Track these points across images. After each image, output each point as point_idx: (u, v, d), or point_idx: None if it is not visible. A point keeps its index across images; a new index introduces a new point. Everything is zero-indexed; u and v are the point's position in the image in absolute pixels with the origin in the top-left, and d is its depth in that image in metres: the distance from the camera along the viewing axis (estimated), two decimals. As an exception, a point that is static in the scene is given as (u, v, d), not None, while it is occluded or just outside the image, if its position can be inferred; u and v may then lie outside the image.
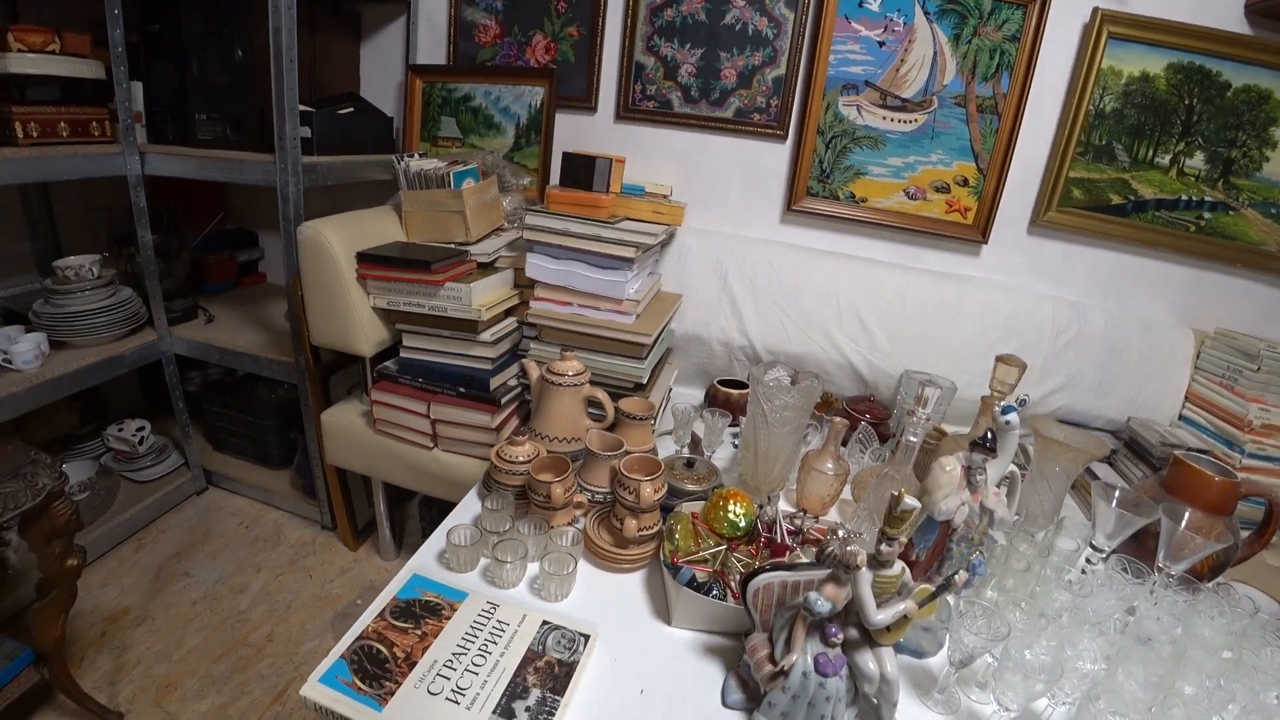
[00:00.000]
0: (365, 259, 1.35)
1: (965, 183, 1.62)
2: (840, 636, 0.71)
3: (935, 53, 1.54)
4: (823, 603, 0.68)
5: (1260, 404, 1.48)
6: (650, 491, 0.90)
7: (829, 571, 0.70)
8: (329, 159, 1.54)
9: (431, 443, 1.39)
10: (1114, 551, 1.02)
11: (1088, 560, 1.05)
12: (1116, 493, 1.08)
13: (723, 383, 1.45)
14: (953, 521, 0.84)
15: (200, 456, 1.86)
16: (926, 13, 1.53)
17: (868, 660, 0.71)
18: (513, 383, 1.41)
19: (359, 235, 1.40)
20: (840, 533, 0.70)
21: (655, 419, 1.33)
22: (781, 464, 1.04)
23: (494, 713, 0.68)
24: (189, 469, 1.83)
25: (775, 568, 0.75)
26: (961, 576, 0.74)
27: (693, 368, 1.66)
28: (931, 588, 0.73)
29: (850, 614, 0.71)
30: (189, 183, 1.55)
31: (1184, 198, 1.63)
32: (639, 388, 1.35)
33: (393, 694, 0.69)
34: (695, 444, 1.24)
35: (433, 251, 1.36)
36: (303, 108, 1.45)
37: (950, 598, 0.83)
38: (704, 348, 1.63)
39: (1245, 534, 1.15)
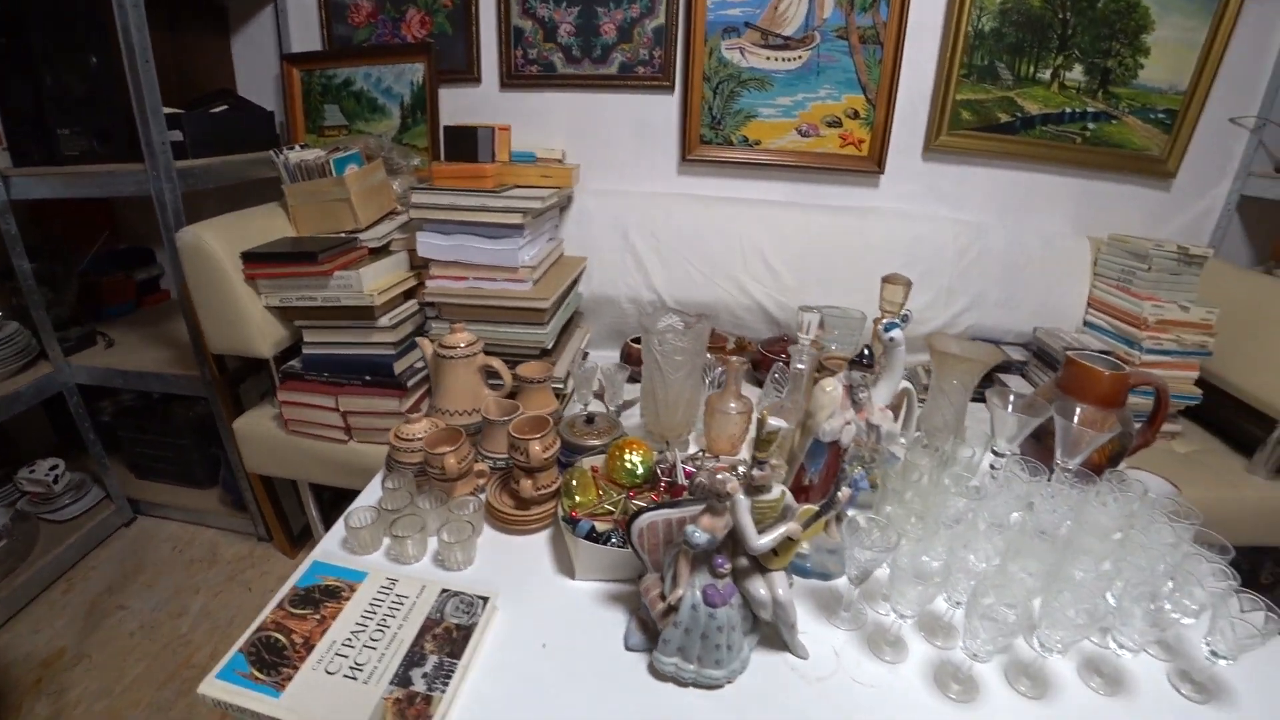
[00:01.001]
0: (250, 258, 1.30)
1: (856, 115, 1.63)
2: (727, 567, 0.72)
3: (811, -13, 1.54)
4: (699, 534, 0.69)
5: (1154, 301, 1.55)
6: (539, 450, 0.90)
7: (705, 504, 0.71)
8: (206, 161, 1.48)
9: (346, 435, 1.37)
10: (1021, 455, 1.06)
11: (991, 466, 1.09)
12: (1011, 397, 1.12)
13: (635, 340, 1.45)
14: (841, 441, 0.85)
15: (123, 486, 1.80)
16: (798, -53, 1.52)
17: (759, 586, 0.73)
18: (420, 365, 1.39)
19: (245, 235, 1.35)
20: (709, 463, 0.71)
21: (565, 381, 1.33)
22: (683, 409, 1.05)
23: (391, 683, 0.68)
24: (112, 501, 1.77)
25: (657, 507, 0.76)
26: (845, 494, 0.76)
27: (606, 329, 1.65)
28: (814, 508, 0.75)
29: (738, 543, 0.72)
30: (69, 203, 1.48)
31: (1068, 110, 1.67)
32: (545, 354, 1.34)
33: (290, 679, 0.68)
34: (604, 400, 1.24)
35: (319, 242, 1.32)
36: (172, 110, 1.39)
37: (857, 515, 0.85)
38: (614, 307, 1.63)
39: (1140, 425, 1.21)
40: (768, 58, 1.59)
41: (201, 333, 1.38)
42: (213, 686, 0.67)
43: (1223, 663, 0.72)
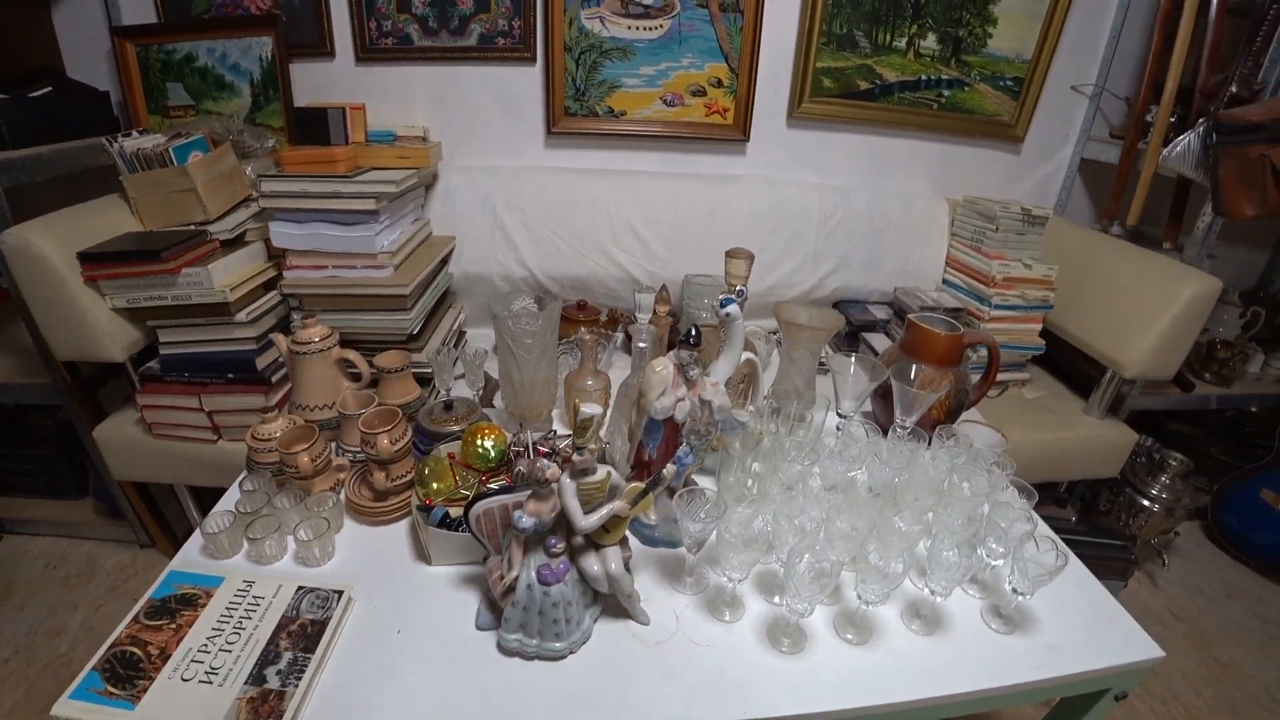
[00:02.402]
0: (88, 258, 1.22)
1: (720, 84, 1.66)
2: (559, 546, 0.76)
3: (670, -45, 1.53)
4: (525, 519, 0.73)
5: (1001, 259, 1.67)
6: (388, 443, 0.92)
7: (530, 490, 0.74)
8: (31, 151, 1.35)
9: (215, 435, 1.33)
10: (872, 416, 1.13)
11: (836, 428, 1.18)
12: (852, 363, 1.21)
13: None
14: (676, 417, 0.90)
15: (-19, 503, 1.68)
16: (653, -86, 1.51)
17: (592, 563, 0.78)
18: (283, 360, 1.35)
19: (84, 233, 1.26)
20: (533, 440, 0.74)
21: (436, 367, 1.33)
22: (540, 390, 1.08)
23: (245, 683, 0.70)
24: (-30, 520, 1.65)
25: (493, 493, 0.79)
26: (670, 470, 0.81)
27: (480, 308, 1.65)
28: (641, 486, 0.80)
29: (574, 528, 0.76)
30: None
31: (923, 77, 1.76)
32: (412, 339, 1.33)
33: (146, 690, 0.69)
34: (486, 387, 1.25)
35: (163, 238, 1.25)
36: (-18, 94, 1.26)
37: (699, 485, 0.91)
38: (487, 285, 1.63)
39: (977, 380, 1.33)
40: (629, 27, 1.59)
41: (44, 340, 1.29)
42: (66, 707, 0.68)
43: (1022, 597, 0.83)
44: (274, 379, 1.30)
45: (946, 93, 1.78)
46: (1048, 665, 0.81)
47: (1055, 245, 1.75)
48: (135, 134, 1.37)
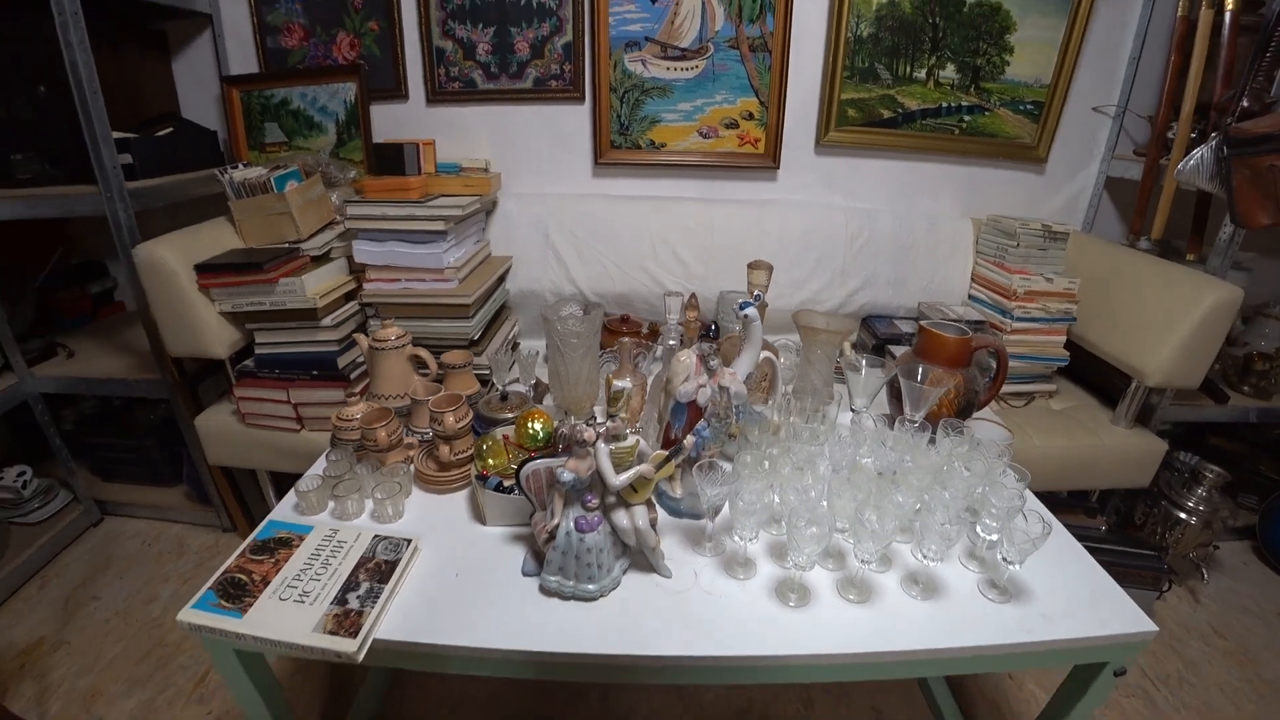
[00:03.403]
0: (203, 269, 1.44)
1: (751, 116, 1.81)
2: (595, 501, 0.89)
3: (703, 3, 1.71)
4: (567, 474, 0.86)
5: (1022, 274, 1.74)
6: (453, 420, 1.06)
7: (571, 451, 0.88)
8: (156, 181, 1.60)
9: (298, 425, 1.51)
10: (888, 414, 1.22)
11: (850, 422, 1.27)
12: (863, 362, 1.30)
13: None
14: (698, 401, 1.02)
15: (89, 489, 1.91)
16: (690, -33, 1.69)
17: (622, 518, 0.90)
18: (360, 359, 1.53)
19: (197, 248, 1.48)
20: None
21: (494, 366, 1.49)
22: (583, 385, 1.21)
23: (331, 603, 0.84)
24: (80, 503, 1.88)
25: (541, 457, 0.92)
26: (689, 442, 0.93)
27: (533, 320, 1.82)
28: (665, 453, 0.92)
29: (604, 484, 0.89)
30: (20, 224, 1.58)
31: (944, 105, 1.87)
32: (473, 344, 1.50)
33: (251, 605, 0.84)
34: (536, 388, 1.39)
35: (265, 253, 1.46)
36: (121, 135, 1.50)
37: (720, 463, 1.02)
38: (539, 300, 1.79)
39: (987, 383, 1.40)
40: (668, 68, 1.76)
41: (160, 339, 1.52)
42: (189, 615, 0.83)
43: (1014, 566, 0.90)
44: (352, 376, 1.48)
45: (967, 118, 1.88)
46: (1039, 630, 0.87)
47: (1080, 260, 1.81)
48: (240, 166, 1.60)
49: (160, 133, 1.66)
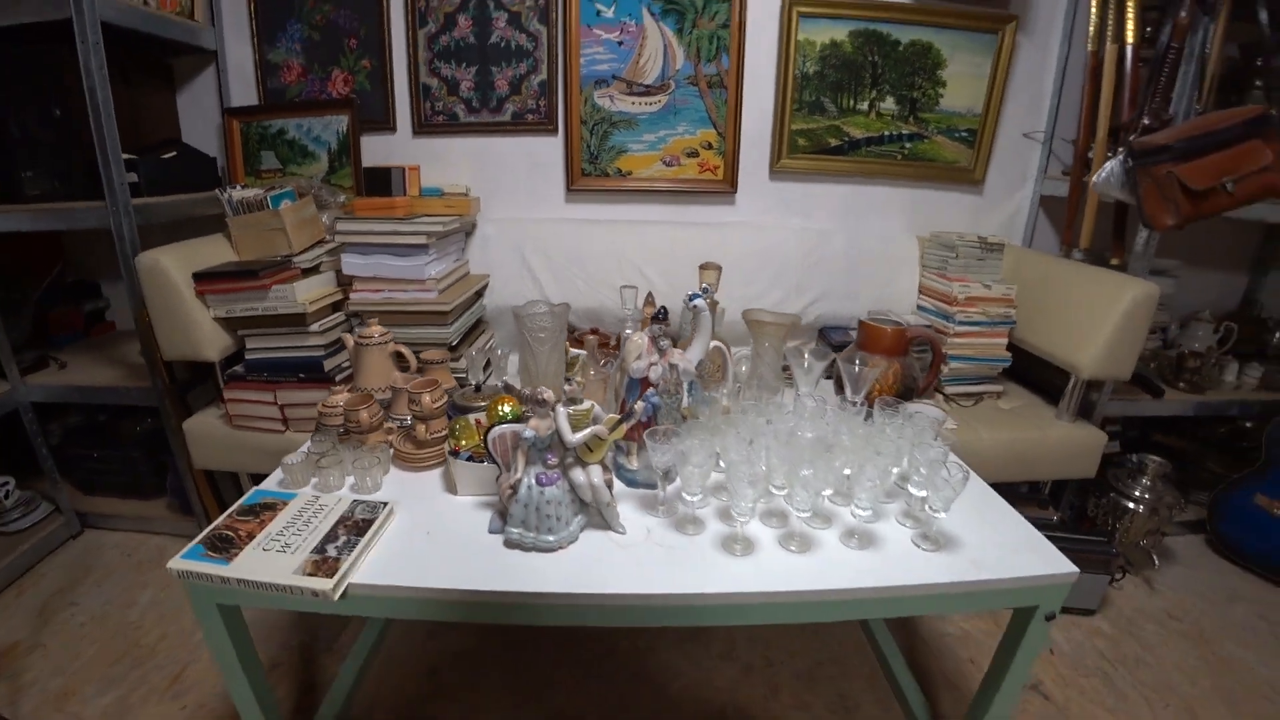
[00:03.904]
0: (201, 277, 1.54)
1: (710, 146, 1.99)
2: (554, 459, 0.98)
3: (665, 45, 1.90)
4: (528, 431, 0.95)
5: (962, 282, 1.88)
6: (429, 400, 1.16)
7: (532, 412, 0.97)
8: (158, 199, 1.72)
9: (283, 426, 1.59)
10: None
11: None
12: (805, 353, 1.41)
13: None
14: (650, 378, 1.13)
15: (71, 501, 1.95)
16: (653, 14, 1.88)
17: (579, 475, 0.99)
18: (345, 364, 1.63)
19: (194, 259, 1.59)
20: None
21: (469, 364, 1.58)
22: (551, 379, 1.32)
23: (311, 552, 0.92)
24: (61, 514, 1.92)
25: (506, 421, 1.01)
26: (639, 407, 1.03)
27: (508, 335, 1.94)
28: (618, 416, 1.02)
29: (564, 444, 0.98)
30: (23, 240, 1.69)
31: (886, 133, 2.05)
32: (452, 349, 1.60)
33: (236, 555, 0.92)
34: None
35: (260, 263, 1.57)
36: (128, 155, 1.63)
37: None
38: (520, 321, 1.90)
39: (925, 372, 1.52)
40: (633, 102, 1.94)
41: (155, 343, 1.60)
42: (178, 563, 0.91)
43: (940, 515, 0.98)
44: (337, 379, 1.57)
45: (908, 145, 2.06)
46: (966, 573, 0.94)
47: (1018, 270, 1.96)
48: (239, 187, 1.73)
49: (164, 155, 1.79)
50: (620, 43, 1.89)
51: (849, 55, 1.97)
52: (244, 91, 1.99)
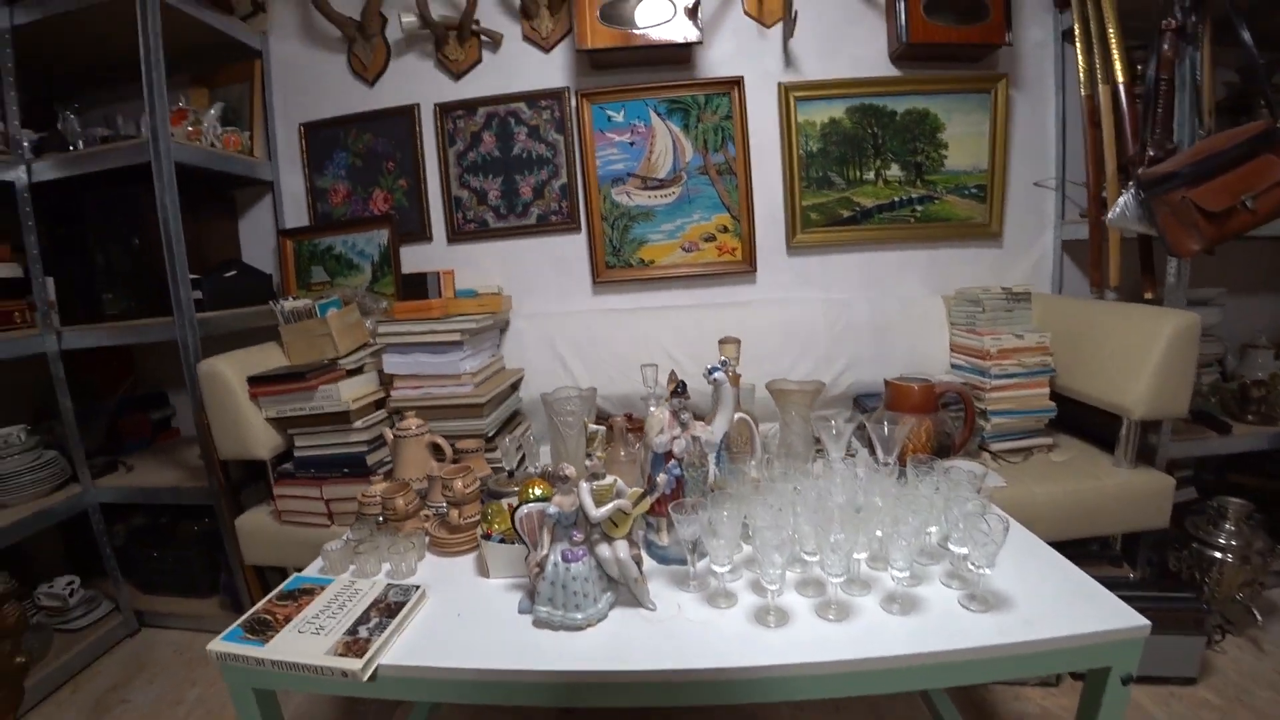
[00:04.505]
0: (254, 380, 1.66)
1: (726, 229, 2.08)
2: (580, 536, 0.99)
3: (673, 141, 2.04)
4: (553, 508, 0.97)
5: (993, 335, 1.85)
6: (461, 486, 1.20)
7: (557, 489, 0.99)
8: (219, 313, 1.90)
9: (329, 520, 1.64)
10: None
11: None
12: (833, 422, 1.40)
13: None
14: (674, 451, 1.14)
15: (131, 600, 2.03)
16: (659, 114, 2.04)
17: (605, 550, 0.99)
18: (387, 459, 1.69)
19: (249, 365, 1.72)
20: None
21: (504, 453, 1.63)
22: (580, 460, 1.34)
23: (344, 634, 0.94)
24: (120, 613, 1.99)
25: (533, 501, 1.04)
26: (662, 480, 1.04)
27: (545, 426, 1.96)
28: (641, 490, 1.03)
29: (588, 519, 0.99)
30: (100, 358, 1.88)
31: (896, 199, 2.11)
32: (488, 441, 1.66)
33: (273, 638, 0.95)
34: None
35: (308, 366, 1.69)
36: (193, 276, 1.82)
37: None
38: (550, 406, 1.96)
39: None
40: (649, 196, 2.08)
41: (213, 443, 1.72)
42: (218, 645, 0.95)
43: (984, 571, 0.91)
44: (379, 473, 1.63)
45: (919, 208, 2.11)
46: (1018, 633, 0.87)
47: (1049, 317, 1.92)
48: (291, 299, 1.89)
49: (227, 274, 1.98)
50: (632, 143, 2.05)
51: (849, 130, 2.07)
52: (296, 214, 2.21)
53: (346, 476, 1.63)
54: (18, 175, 1.78)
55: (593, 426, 0.98)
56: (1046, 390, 1.81)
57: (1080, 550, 1.76)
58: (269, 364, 1.77)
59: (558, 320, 2.07)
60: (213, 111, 1.98)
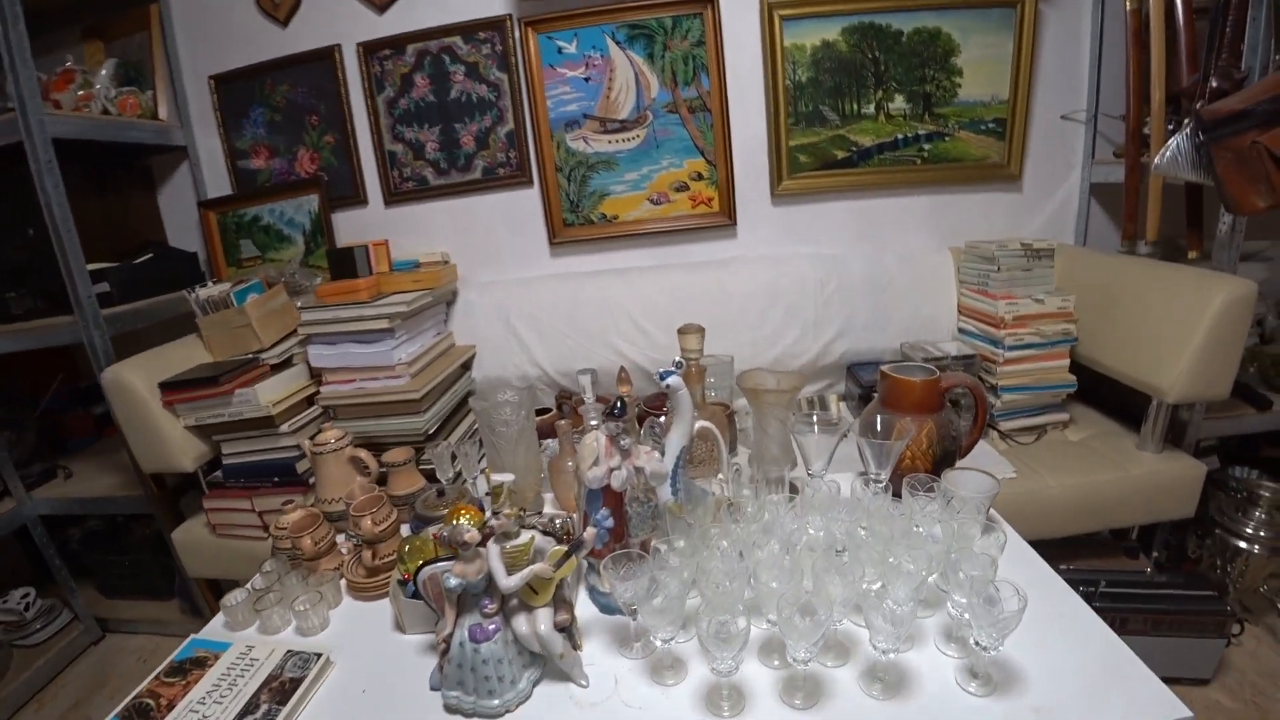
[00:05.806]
0: (165, 386, 1.49)
1: (700, 177, 1.80)
2: (492, 607, 0.82)
3: (636, 74, 1.74)
4: (453, 580, 0.80)
5: (1008, 299, 1.62)
6: (370, 524, 1.03)
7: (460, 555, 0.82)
8: (133, 306, 1.69)
9: (265, 532, 1.51)
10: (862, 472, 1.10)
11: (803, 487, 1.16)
12: (814, 423, 1.20)
13: (539, 411, 1.57)
14: (613, 485, 0.95)
15: (92, 607, 1.94)
16: (618, 42, 1.73)
17: (522, 623, 0.83)
18: (320, 467, 1.53)
19: (167, 366, 1.54)
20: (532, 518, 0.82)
21: (436, 462, 1.45)
22: (523, 473, 1.16)
23: (225, 730, 0.79)
24: (80, 622, 1.91)
25: (440, 560, 0.86)
26: (590, 534, 0.86)
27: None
28: (564, 549, 0.85)
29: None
30: (22, 359, 1.69)
31: (900, 136, 1.82)
32: (430, 438, 1.48)
33: None
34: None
35: (221, 366, 1.51)
36: (99, 265, 1.61)
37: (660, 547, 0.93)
38: (505, 387, 1.77)
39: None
40: (609, 141, 1.79)
41: (132, 455, 1.56)
42: None
43: (988, 652, 0.73)
44: (311, 481, 1.48)
45: (927, 146, 1.82)
46: None
47: (1074, 276, 1.68)
48: (210, 284, 1.68)
49: (138, 260, 1.77)
50: (587, 79, 1.75)
51: (845, 55, 1.75)
52: (218, 182, 1.96)
53: (278, 485, 1.49)
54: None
55: (496, 477, 0.79)
56: (1066, 362, 1.61)
57: (1093, 539, 1.59)
58: (190, 361, 1.59)
59: (512, 289, 1.84)
60: (104, 71, 1.70)
